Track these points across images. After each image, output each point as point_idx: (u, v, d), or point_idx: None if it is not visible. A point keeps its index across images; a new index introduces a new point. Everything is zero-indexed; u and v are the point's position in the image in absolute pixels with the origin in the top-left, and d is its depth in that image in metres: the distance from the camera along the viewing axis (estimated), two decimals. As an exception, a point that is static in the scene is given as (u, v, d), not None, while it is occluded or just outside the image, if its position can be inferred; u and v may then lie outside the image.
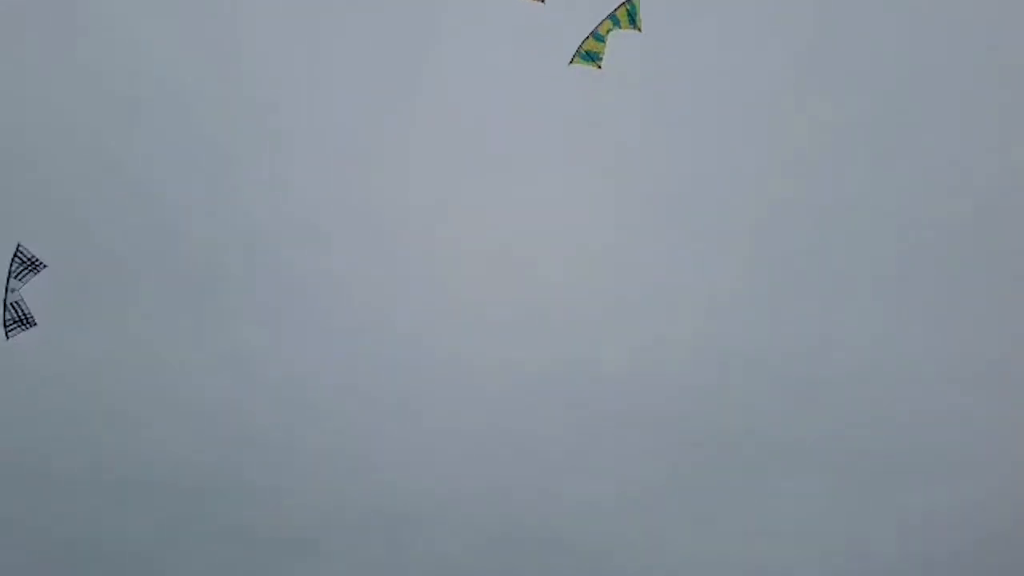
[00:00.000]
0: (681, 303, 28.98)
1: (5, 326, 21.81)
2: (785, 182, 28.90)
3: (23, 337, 23.25)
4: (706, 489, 29.31)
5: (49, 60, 26.84)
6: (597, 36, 24.76)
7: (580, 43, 24.79)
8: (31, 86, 26.80)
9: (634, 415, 29.44)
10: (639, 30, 24.66)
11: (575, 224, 28.97)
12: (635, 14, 24.59)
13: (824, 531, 29.13)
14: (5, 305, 21.52)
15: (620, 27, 24.70)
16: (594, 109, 28.86)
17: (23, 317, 21.96)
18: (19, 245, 21.59)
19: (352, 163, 28.52)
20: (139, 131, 27.56)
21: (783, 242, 28.87)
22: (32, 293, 21.98)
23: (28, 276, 21.34)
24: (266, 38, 27.80)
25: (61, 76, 26.76)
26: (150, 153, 27.68)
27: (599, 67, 24.95)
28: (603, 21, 24.69)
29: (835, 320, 29.02)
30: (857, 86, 28.47)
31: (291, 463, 29.12)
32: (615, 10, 24.60)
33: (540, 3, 24.30)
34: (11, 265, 21.31)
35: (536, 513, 29.15)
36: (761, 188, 28.98)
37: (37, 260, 21.40)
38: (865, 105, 28.73)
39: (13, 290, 21.51)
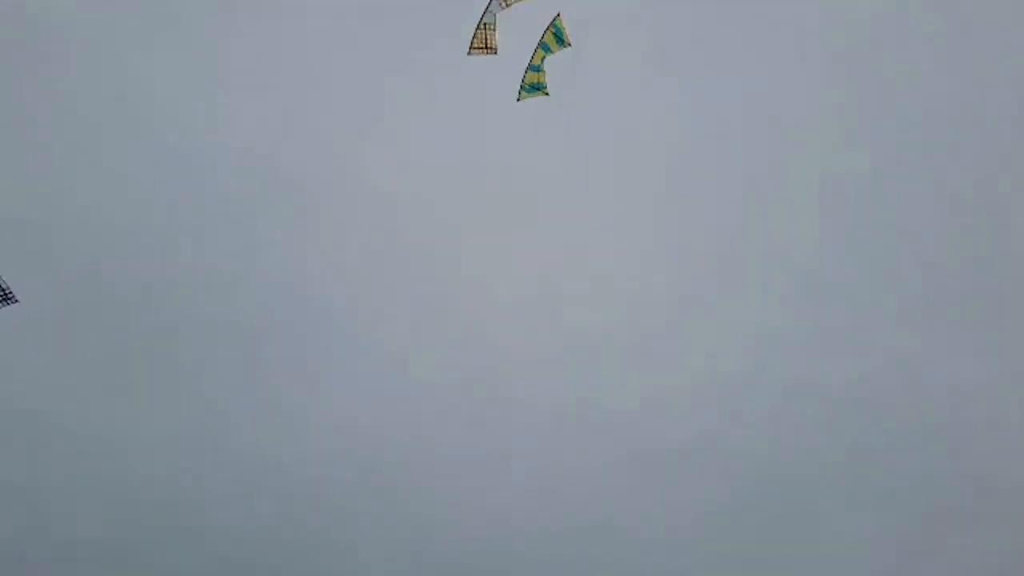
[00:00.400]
0: (728, 335, 28.80)
1: None
2: (834, 211, 28.39)
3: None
4: (752, 527, 28.74)
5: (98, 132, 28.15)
6: (534, 68, 25.48)
7: (521, 79, 25.65)
8: (77, 154, 28.03)
9: (675, 450, 29.49)
10: (570, 46, 25.34)
11: (618, 256, 29.06)
12: (561, 34, 25.23)
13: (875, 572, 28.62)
14: None
15: (552, 51, 25.39)
16: (628, 141, 29.12)
17: None
18: None
19: (379, 209, 29.21)
20: (173, 190, 28.73)
21: (832, 271, 28.24)
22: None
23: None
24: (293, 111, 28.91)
25: (101, 136, 27.98)
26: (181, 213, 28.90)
27: (547, 94, 25.76)
28: (535, 52, 25.38)
29: (889, 351, 28.20)
30: (901, 109, 27.99)
31: (320, 511, 30.28)
32: (543, 37, 25.25)
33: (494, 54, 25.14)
34: None
35: (587, 548, 29.47)
36: (806, 219, 28.50)
37: (10, 293, 22.07)
38: (913, 124, 28.10)
39: None
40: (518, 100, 25.76)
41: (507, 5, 25.06)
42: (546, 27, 25.37)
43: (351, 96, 29.24)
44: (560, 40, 25.44)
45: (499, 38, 25.14)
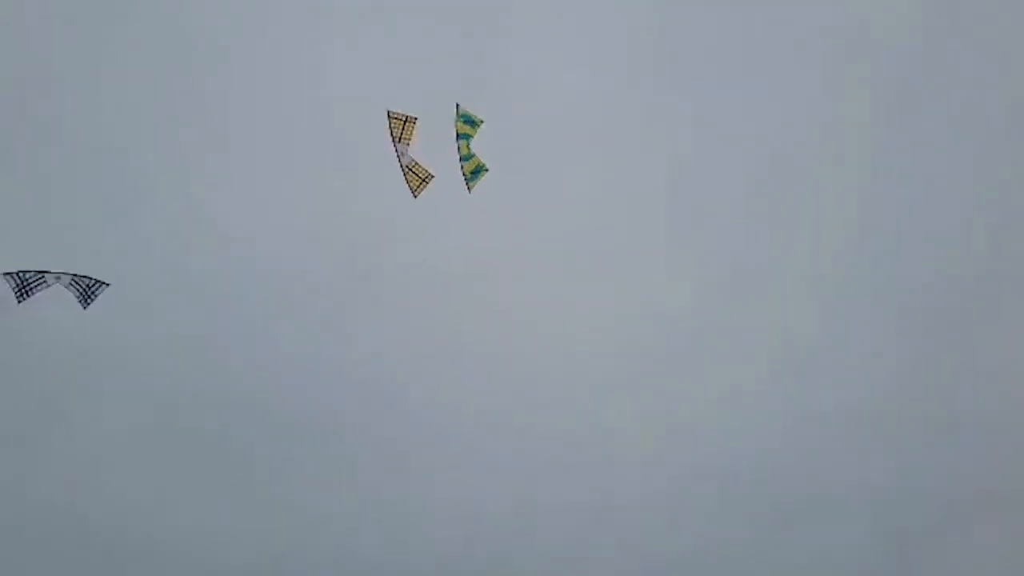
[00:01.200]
0: (749, 359, 25.77)
1: None
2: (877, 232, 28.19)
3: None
4: (773, 552, 23.41)
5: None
6: (465, 158, 24.52)
7: (462, 174, 24.45)
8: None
9: (711, 471, 24.50)
10: (483, 122, 24.92)
11: (654, 279, 25.85)
12: (468, 118, 25.02)
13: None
14: None
15: (471, 136, 24.78)
16: (636, 181, 27.89)
17: None
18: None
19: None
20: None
21: (863, 284, 27.09)
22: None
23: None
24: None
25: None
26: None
27: (488, 170, 24.34)
28: (459, 144, 24.80)
29: (910, 369, 26.50)
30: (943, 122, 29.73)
31: None
32: (457, 130, 24.93)
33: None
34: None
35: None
36: (838, 245, 28.01)
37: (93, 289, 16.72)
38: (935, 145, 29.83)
39: None
40: (469, 192, 23.76)
41: (408, 141, 25.52)
42: (453, 122, 25.18)
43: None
44: (471, 123, 24.89)
45: (426, 165, 24.69)
